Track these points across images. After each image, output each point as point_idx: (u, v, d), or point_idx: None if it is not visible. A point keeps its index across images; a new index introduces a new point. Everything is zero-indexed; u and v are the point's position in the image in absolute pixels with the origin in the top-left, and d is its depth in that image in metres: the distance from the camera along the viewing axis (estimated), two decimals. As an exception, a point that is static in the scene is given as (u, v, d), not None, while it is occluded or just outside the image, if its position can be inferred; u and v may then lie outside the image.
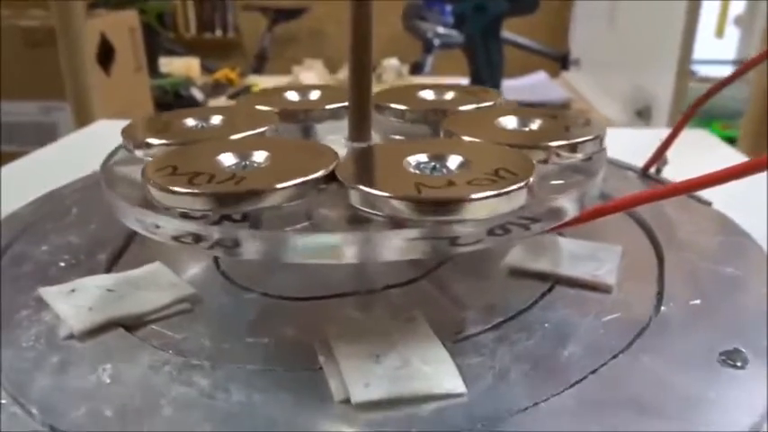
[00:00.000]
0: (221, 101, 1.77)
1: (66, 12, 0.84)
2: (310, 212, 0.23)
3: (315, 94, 0.34)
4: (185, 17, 2.96)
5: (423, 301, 0.26)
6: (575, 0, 2.14)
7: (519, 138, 0.26)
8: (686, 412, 0.19)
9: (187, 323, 0.25)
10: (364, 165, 0.25)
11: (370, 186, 0.21)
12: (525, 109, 0.30)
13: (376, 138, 0.30)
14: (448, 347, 0.22)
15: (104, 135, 0.30)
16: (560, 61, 2.13)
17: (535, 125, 0.28)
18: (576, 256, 0.28)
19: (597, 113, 1.55)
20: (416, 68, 2.37)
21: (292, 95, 0.34)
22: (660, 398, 0.20)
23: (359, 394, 0.20)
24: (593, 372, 0.21)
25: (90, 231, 0.32)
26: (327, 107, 0.32)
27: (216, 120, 0.30)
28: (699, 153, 0.47)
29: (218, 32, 3.02)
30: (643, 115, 1.35)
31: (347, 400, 0.20)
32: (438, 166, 0.23)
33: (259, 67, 2.58)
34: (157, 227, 0.22)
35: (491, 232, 0.21)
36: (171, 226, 0.21)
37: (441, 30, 2.47)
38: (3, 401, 0.21)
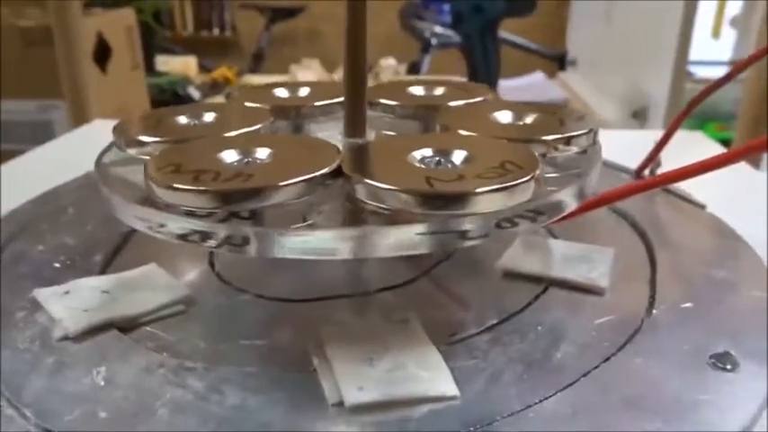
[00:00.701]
0: (218, 100, 1.77)
1: (62, 11, 0.84)
2: (316, 209, 0.22)
3: (304, 91, 0.34)
4: (182, 15, 2.96)
5: (417, 304, 0.26)
6: (572, 0, 2.14)
7: (515, 132, 0.27)
8: (676, 414, 0.20)
9: (182, 325, 0.25)
10: (369, 160, 0.25)
11: (379, 181, 0.21)
12: (517, 104, 0.30)
13: (369, 133, 0.30)
14: (441, 350, 0.22)
15: (101, 134, 0.30)
16: (557, 61, 2.13)
17: (529, 119, 0.28)
18: (569, 258, 0.28)
19: (594, 114, 1.56)
20: (414, 68, 2.37)
21: (282, 92, 0.34)
22: (651, 400, 0.20)
23: (352, 397, 0.20)
24: (586, 374, 0.21)
25: (86, 232, 0.32)
26: (319, 104, 0.32)
27: (208, 117, 0.30)
28: (693, 154, 0.47)
29: (216, 31, 3.01)
30: (639, 116, 1.35)
31: (341, 403, 0.20)
32: (443, 160, 0.23)
33: (256, 66, 2.58)
34: (162, 225, 0.22)
35: (499, 225, 0.21)
36: (176, 224, 0.21)
37: (438, 29, 2.47)
38: (-2, 403, 0.21)
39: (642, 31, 1.42)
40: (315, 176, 0.22)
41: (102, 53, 1.18)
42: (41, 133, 1.15)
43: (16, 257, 0.30)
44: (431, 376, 0.21)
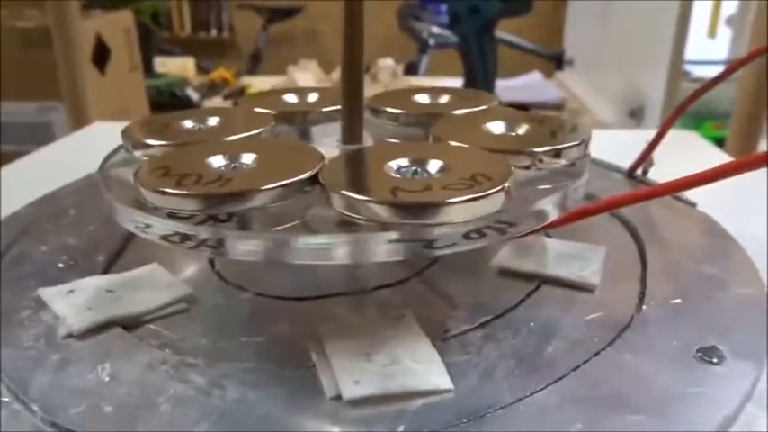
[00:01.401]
0: (217, 101, 1.77)
1: (61, 12, 0.84)
2: (295, 214, 0.23)
3: (312, 97, 0.35)
4: (180, 16, 2.96)
5: (413, 301, 0.27)
6: (569, 0, 2.15)
7: (504, 143, 0.27)
8: (663, 407, 0.20)
9: (183, 322, 0.26)
10: (347, 168, 0.25)
11: (350, 190, 0.22)
12: (514, 113, 0.31)
13: (370, 141, 0.31)
14: (436, 345, 0.23)
15: (100, 137, 0.31)
16: (555, 61, 2.14)
17: (522, 130, 0.28)
18: (561, 256, 0.29)
19: (590, 114, 1.56)
20: (412, 69, 2.37)
21: (290, 98, 0.35)
22: (639, 393, 0.21)
23: (349, 390, 0.21)
24: (576, 368, 0.22)
25: (88, 232, 0.33)
26: (323, 110, 0.33)
27: (213, 121, 0.31)
28: (686, 154, 0.48)
29: (213, 32, 3.02)
30: (636, 115, 1.36)
31: (338, 397, 0.21)
32: (419, 170, 0.24)
33: (254, 66, 2.58)
34: (148, 226, 0.23)
35: (467, 236, 0.22)
36: (160, 225, 0.22)
37: (436, 30, 2.47)
38: (5, 399, 0.21)
39: (638, 30, 1.42)
40: (292, 182, 0.22)
41: (101, 55, 1.19)
42: (41, 135, 1.15)
43: (20, 258, 0.31)
44: (425, 370, 0.22)
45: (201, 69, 2.05)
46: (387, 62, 2.03)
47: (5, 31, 1.10)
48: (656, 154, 0.38)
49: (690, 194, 0.35)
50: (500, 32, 1.96)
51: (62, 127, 1.13)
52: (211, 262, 0.30)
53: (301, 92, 0.35)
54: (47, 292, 0.27)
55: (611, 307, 0.26)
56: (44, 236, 0.33)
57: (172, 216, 0.22)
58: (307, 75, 1.93)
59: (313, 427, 0.20)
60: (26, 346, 0.24)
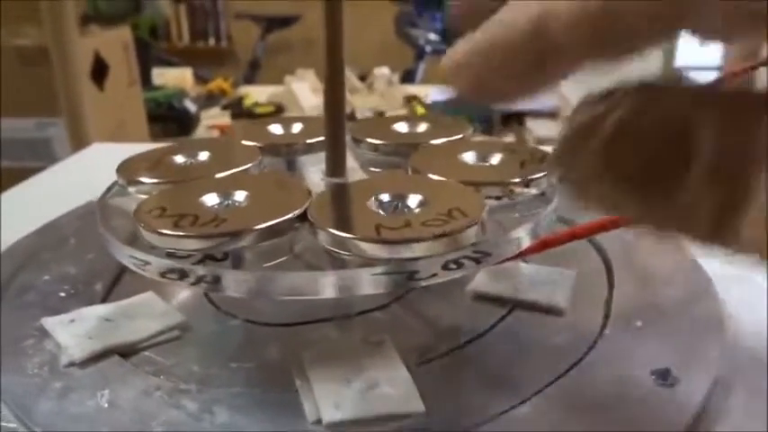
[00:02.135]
0: (215, 111, 1.79)
1: (58, 31, 0.86)
2: (285, 249, 0.25)
3: (297, 127, 0.37)
4: (178, 26, 2.98)
5: (393, 325, 0.29)
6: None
7: (478, 174, 0.29)
8: (619, 426, 0.22)
9: (177, 349, 0.27)
10: (332, 205, 0.27)
11: (336, 228, 0.24)
12: (486, 143, 0.32)
13: (354, 167, 0.33)
14: (412, 369, 0.25)
15: (99, 159, 0.32)
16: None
17: (494, 160, 0.30)
18: (533, 281, 0.31)
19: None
20: (408, 76, 2.39)
21: (276, 128, 0.37)
22: (596, 413, 0.23)
23: (329, 415, 0.23)
24: (539, 392, 0.24)
25: (87, 261, 0.34)
26: (308, 141, 0.35)
27: (203, 156, 0.32)
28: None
29: (211, 41, 3.04)
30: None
31: (319, 421, 0.23)
32: (399, 204, 0.26)
33: (252, 76, 2.61)
34: (146, 264, 0.24)
35: (446, 266, 0.24)
36: (158, 264, 0.24)
37: (432, 37, 2.50)
38: (11, 425, 0.23)
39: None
40: (283, 221, 0.24)
41: (100, 71, 1.21)
42: (41, 150, 1.17)
43: (24, 287, 0.32)
44: (401, 395, 0.23)
45: (200, 79, 2.07)
46: (382, 71, 2.05)
47: (4, 50, 1.12)
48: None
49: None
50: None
51: (61, 142, 1.15)
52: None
53: (287, 122, 0.37)
54: (49, 322, 0.28)
55: (577, 330, 0.28)
56: (46, 265, 0.34)
57: (170, 255, 0.24)
58: (304, 84, 1.95)
59: (295, 449, 0.22)
60: (31, 374, 0.26)
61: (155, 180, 0.29)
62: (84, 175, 0.51)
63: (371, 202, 0.26)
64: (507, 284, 0.30)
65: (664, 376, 0.24)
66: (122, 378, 0.25)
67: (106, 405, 0.24)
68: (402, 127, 0.36)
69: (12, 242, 0.37)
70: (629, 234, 0.35)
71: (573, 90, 1.62)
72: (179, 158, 0.32)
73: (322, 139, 0.34)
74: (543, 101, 1.74)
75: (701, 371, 0.25)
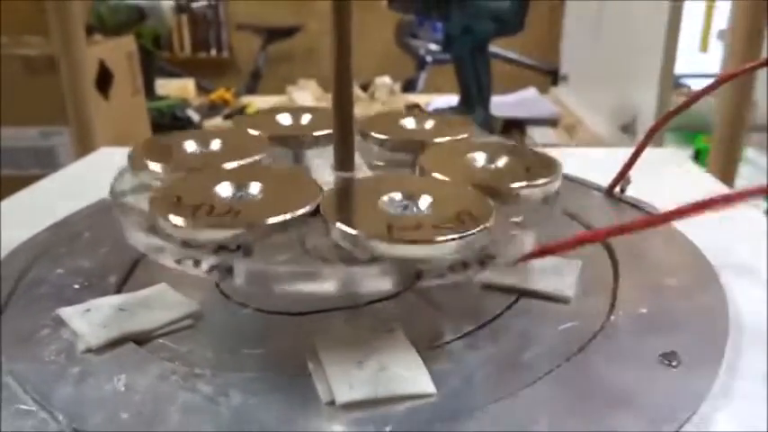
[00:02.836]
0: (217, 121, 1.80)
1: (67, 41, 0.87)
2: (298, 242, 0.26)
3: (305, 119, 0.37)
4: (180, 37, 3.00)
5: (403, 314, 0.29)
6: (564, 15, 2.18)
7: (484, 177, 0.30)
8: (625, 405, 0.23)
9: (191, 337, 0.28)
10: (345, 202, 0.28)
11: (348, 224, 0.24)
12: (492, 144, 0.33)
13: (360, 163, 0.33)
14: (422, 354, 0.25)
15: (106, 162, 0.33)
16: (551, 76, 2.17)
17: (501, 162, 0.31)
18: (540, 270, 0.31)
19: (585, 128, 1.59)
20: (410, 86, 2.40)
21: (284, 119, 0.37)
22: (603, 393, 0.23)
23: (342, 395, 0.23)
24: (548, 372, 0.24)
25: (101, 255, 0.35)
26: (315, 134, 0.35)
27: (214, 145, 0.33)
28: (666, 172, 0.50)
29: (213, 52, 3.06)
30: (628, 130, 1.38)
31: (332, 402, 0.23)
32: (410, 205, 0.26)
33: (253, 86, 2.62)
34: (161, 251, 0.25)
35: (452, 268, 0.24)
36: (174, 252, 0.25)
37: (433, 47, 2.51)
38: (32, 408, 0.23)
39: (629, 46, 1.45)
40: (296, 216, 0.25)
41: (104, 80, 1.22)
42: (45, 159, 1.18)
43: (39, 280, 0.33)
44: (411, 376, 0.24)
45: (202, 89, 2.08)
46: (384, 80, 2.06)
47: (9, 59, 1.13)
48: (641, 171, 0.40)
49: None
50: (498, 48, 1.99)
51: (66, 151, 1.16)
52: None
53: (294, 112, 0.38)
54: (65, 312, 0.29)
55: (583, 317, 0.28)
56: (60, 259, 0.35)
57: (185, 244, 0.25)
58: (305, 94, 1.96)
59: (309, 428, 0.22)
60: (48, 361, 0.26)
61: (167, 167, 0.30)
62: (92, 177, 0.52)
63: (383, 201, 0.26)
64: (515, 274, 0.31)
65: (670, 358, 0.25)
66: (138, 364, 0.26)
67: (123, 389, 0.24)
68: (409, 123, 0.37)
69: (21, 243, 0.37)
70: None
71: (573, 98, 1.62)
72: (190, 146, 0.33)
73: (329, 132, 0.34)
74: (543, 109, 1.76)
75: (707, 353, 0.25)
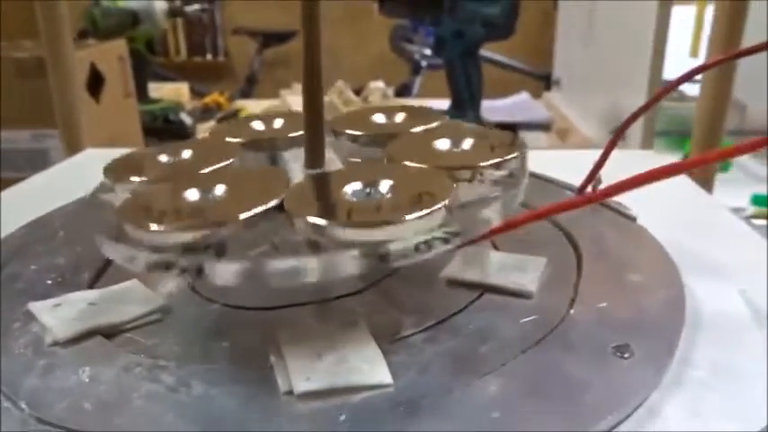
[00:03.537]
0: (210, 125, 1.81)
1: (55, 43, 0.87)
2: (265, 237, 0.26)
3: (278, 123, 0.38)
4: (175, 41, 3.01)
5: (367, 309, 0.30)
6: (557, 21, 2.19)
7: (450, 159, 0.30)
8: (576, 395, 0.23)
9: (158, 331, 0.29)
10: (308, 194, 0.28)
11: (310, 215, 0.25)
12: (460, 129, 0.34)
13: (333, 159, 0.34)
14: (383, 347, 0.26)
15: (91, 163, 0.34)
16: (544, 81, 2.18)
17: (466, 145, 0.31)
18: (504, 266, 0.32)
19: (577, 132, 1.60)
20: (405, 90, 2.41)
21: (258, 125, 0.38)
22: (556, 384, 0.24)
23: (300, 386, 0.24)
24: (503, 365, 0.25)
25: (75, 252, 0.36)
26: (289, 135, 0.36)
27: (186, 154, 0.34)
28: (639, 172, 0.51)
29: (209, 56, 3.06)
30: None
31: (291, 392, 0.24)
32: (372, 191, 0.27)
33: (248, 90, 2.62)
34: (133, 259, 0.26)
35: (417, 248, 0.25)
36: (144, 258, 0.25)
37: (428, 52, 2.52)
38: (-4, 399, 0.24)
39: (619, 51, 1.46)
40: (260, 212, 0.25)
41: (96, 83, 1.22)
42: (37, 161, 1.18)
43: (13, 276, 0.33)
44: (370, 368, 0.25)
45: (197, 93, 2.09)
46: (378, 84, 2.07)
47: (1, 62, 1.13)
48: (616, 172, 0.41)
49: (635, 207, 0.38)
50: (491, 53, 2.00)
51: (58, 153, 1.16)
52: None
53: (267, 119, 0.38)
54: (36, 306, 0.29)
55: (544, 311, 0.29)
56: (35, 256, 0.35)
57: (155, 249, 0.25)
58: (299, 98, 1.97)
59: (267, 417, 0.23)
60: (16, 354, 0.27)
61: (140, 179, 0.31)
62: (76, 177, 0.52)
63: (345, 190, 0.27)
64: (479, 270, 0.32)
65: (623, 350, 0.25)
66: (104, 356, 0.26)
67: (88, 380, 0.25)
68: (380, 118, 0.37)
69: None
70: (602, 224, 0.36)
71: (565, 103, 1.63)
72: (163, 158, 0.33)
73: (302, 133, 0.35)
74: (536, 113, 1.76)
75: (660, 346, 0.26)
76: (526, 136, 1.63)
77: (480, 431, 0.22)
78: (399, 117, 0.37)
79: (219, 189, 0.28)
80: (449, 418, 0.22)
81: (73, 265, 0.34)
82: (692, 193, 0.48)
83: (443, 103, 1.58)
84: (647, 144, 1.01)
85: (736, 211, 0.85)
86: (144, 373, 0.25)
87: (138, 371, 0.25)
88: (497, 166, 0.29)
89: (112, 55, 1.29)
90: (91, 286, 0.33)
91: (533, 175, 0.35)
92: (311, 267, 0.25)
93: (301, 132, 0.35)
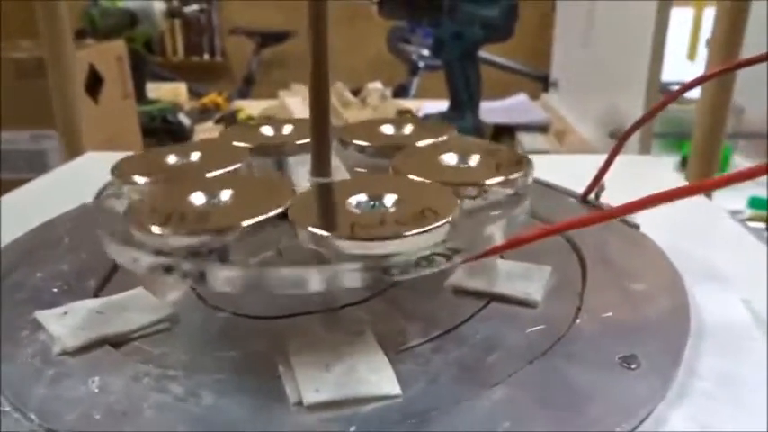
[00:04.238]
0: (208, 125, 1.81)
1: (55, 44, 0.87)
2: (269, 244, 0.27)
3: (287, 129, 0.38)
4: (173, 41, 3.00)
5: (374, 318, 0.30)
6: (555, 23, 2.19)
7: (455, 176, 0.30)
8: (583, 406, 0.23)
9: (166, 340, 0.29)
10: (313, 205, 0.28)
11: (314, 226, 0.25)
12: (468, 145, 0.34)
13: (340, 168, 0.34)
14: (390, 357, 0.26)
15: (92, 167, 0.34)
16: (543, 83, 2.18)
17: (473, 162, 0.32)
18: (509, 275, 0.32)
19: (575, 134, 1.60)
20: (402, 91, 2.41)
21: (267, 130, 0.38)
22: (563, 394, 0.24)
23: (309, 397, 0.24)
24: (510, 375, 0.25)
25: (80, 259, 0.36)
26: (297, 142, 0.36)
27: (194, 156, 0.34)
28: (644, 179, 0.51)
29: (206, 56, 3.06)
30: (616, 136, 1.39)
31: (300, 402, 0.24)
32: (376, 204, 0.27)
33: (246, 91, 2.62)
34: (135, 260, 0.26)
35: (418, 263, 0.25)
36: (147, 260, 0.25)
37: (425, 53, 2.52)
38: (5, 409, 0.24)
39: (617, 54, 1.47)
40: (265, 219, 0.26)
41: (94, 84, 1.22)
42: (36, 162, 1.18)
43: (18, 284, 0.33)
44: (378, 379, 0.25)
45: (194, 94, 2.09)
46: (376, 85, 2.07)
47: (1, 62, 1.13)
48: (618, 178, 0.41)
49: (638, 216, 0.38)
50: (489, 54, 2.00)
51: (56, 154, 1.16)
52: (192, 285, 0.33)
53: (277, 124, 0.38)
54: (43, 315, 0.29)
55: (550, 321, 0.29)
56: (40, 263, 0.35)
57: (159, 252, 0.25)
58: (297, 99, 1.97)
59: (276, 428, 0.23)
60: (24, 363, 0.27)
61: (147, 179, 0.31)
62: (78, 181, 0.52)
63: (350, 202, 0.27)
64: (484, 279, 0.32)
65: (629, 361, 0.25)
66: (113, 366, 0.26)
67: (97, 390, 0.25)
68: (388, 129, 0.38)
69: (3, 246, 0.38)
70: (605, 232, 0.36)
71: (563, 105, 1.63)
72: (171, 159, 0.33)
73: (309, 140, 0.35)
74: (534, 115, 1.77)
75: (666, 356, 0.26)
76: (524, 137, 1.63)
77: (489, 443, 0.22)
78: (408, 129, 0.37)
79: (225, 194, 0.28)
80: (458, 430, 0.22)
81: (78, 272, 0.34)
82: (692, 199, 0.48)
83: (441, 105, 1.58)
84: (645, 146, 1.02)
85: (734, 214, 0.86)
86: (152, 383, 0.25)
87: (146, 380, 0.25)
88: (503, 185, 0.29)
89: (111, 55, 1.29)
90: (96, 294, 0.33)
91: (534, 181, 0.35)
92: (313, 278, 0.25)
93: (307, 140, 0.35)
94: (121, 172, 0.32)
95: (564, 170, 0.44)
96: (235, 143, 0.36)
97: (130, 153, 0.41)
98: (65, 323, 0.29)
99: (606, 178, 0.41)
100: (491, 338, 0.28)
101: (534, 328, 0.28)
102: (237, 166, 0.32)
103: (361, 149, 0.36)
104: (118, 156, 0.35)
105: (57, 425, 0.23)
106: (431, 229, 0.25)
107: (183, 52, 3.02)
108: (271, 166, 0.36)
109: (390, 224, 0.25)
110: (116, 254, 0.27)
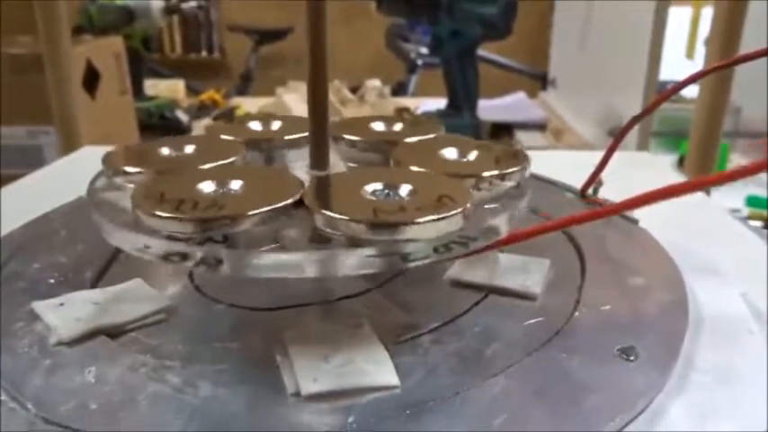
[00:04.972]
0: (206, 122, 1.80)
1: (52, 40, 0.87)
2: (281, 233, 0.27)
3: (276, 125, 0.38)
4: (171, 37, 3.00)
5: (373, 310, 0.30)
6: (553, 21, 2.20)
7: (457, 168, 0.30)
8: (582, 397, 0.23)
9: (163, 331, 0.28)
10: (327, 192, 0.28)
11: (334, 211, 0.25)
12: (462, 141, 0.34)
13: (336, 163, 0.34)
14: (389, 349, 0.26)
15: (89, 161, 0.33)
16: (541, 81, 2.18)
17: (472, 156, 0.32)
18: (508, 268, 0.32)
19: (573, 132, 1.60)
20: (401, 89, 2.41)
21: (255, 125, 0.38)
22: (561, 386, 0.24)
23: (307, 387, 0.24)
24: (509, 366, 0.25)
25: (77, 251, 0.35)
26: (287, 137, 0.36)
27: (189, 149, 0.33)
28: (642, 175, 0.51)
29: (204, 53, 3.05)
30: (614, 134, 1.39)
31: (298, 393, 0.24)
32: (391, 193, 0.27)
33: (244, 87, 2.62)
34: (147, 247, 0.25)
35: (436, 250, 0.25)
36: (160, 246, 0.25)
37: (424, 50, 2.52)
38: (3, 398, 0.24)
39: (615, 52, 1.47)
40: (280, 206, 0.25)
41: (91, 79, 1.22)
42: (32, 158, 1.18)
43: (14, 275, 0.33)
44: (376, 370, 0.25)
45: (192, 90, 2.08)
46: (374, 83, 2.07)
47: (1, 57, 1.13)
48: (617, 174, 0.41)
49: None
50: (487, 52, 2.00)
51: (52, 150, 1.16)
52: (190, 276, 0.33)
53: (264, 119, 0.38)
54: (39, 305, 0.29)
55: (548, 313, 0.29)
56: (37, 254, 0.35)
57: (170, 238, 0.25)
58: (295, 95, 1.97)
59: (274, 418, 0.23)
60: (21, 353, 0.27)
61: (141, 170, 0.30)
62: (74, 175, 0.52)
63: (365, 190, 0.27)
64: (483, 272, 0.32)
65: (628, 353, 0.25)
66: (109, 356, 0.26)
67: (93, 380, 0.25)
68: (379, 126, 0.38)
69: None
70: (604, 227, 0.36)
71: (561, 103, 1.63)
72: (164, 151, 0.33)
73: (301, 135, 0.35)
74: (532, 113, 1.77)
75: (664, 349, 0.26)
76: (522, 135, 1.63)
77: (488, 433, 0.22)
78: (398, 126, 0.38)
79: (235, 184, 0.28)
80: (456, 421, 0.22)
81: (75, 264, 0.34)
82: (691, 196, 0.48)
83: (439, 102, 1.58)
84: (642, 145, 1.02)
85: (732, 212, 0.86)
86: (150, 373, 0.25)
87: (143, 371, 0.25)
88: (503, 177, 0.30)
89: (108, 51, 1.29)
90: (93, 285, 0.32)
91: (533, 176, 0.35)
92: (331, 262, 0.25)
93: (297, 135, 0.35)
94: (114, 162, 0.32)
95: (561, 166, 0.44)
96: (226, 137, 0.35)
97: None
98: (62, 314, 0.28)
99: (604, 174, 0.41)
100: (489, 330, 0.28)
101: (533, 321, 0.28)
102: (233, 159, 0.32)
103: (353, 144, 0.36)
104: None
105: (53, 415, 0.23)
106: (452, 215, 0.25)
107: (181, 49, 3.01)
108: (260, 160, 0.36)
109: (411, 210, 0.25)
110: (121, 241, 0.27)
